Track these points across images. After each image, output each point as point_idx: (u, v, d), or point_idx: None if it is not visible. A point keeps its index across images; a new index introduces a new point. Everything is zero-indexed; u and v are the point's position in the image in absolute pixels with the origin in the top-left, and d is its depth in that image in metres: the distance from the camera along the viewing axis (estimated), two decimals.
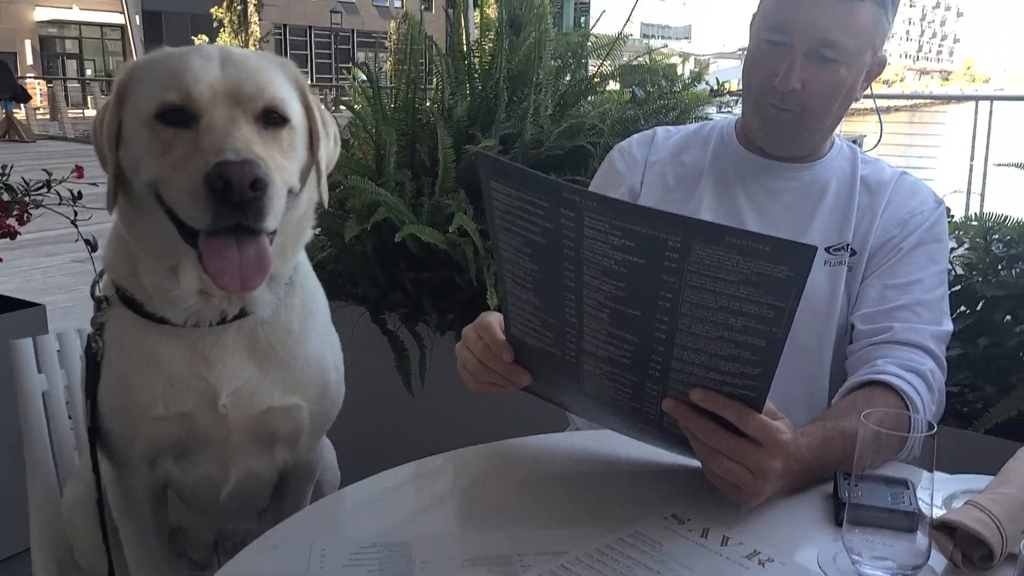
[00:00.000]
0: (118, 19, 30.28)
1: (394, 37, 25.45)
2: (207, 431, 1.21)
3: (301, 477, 1.43)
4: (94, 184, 2.63)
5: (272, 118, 1.11)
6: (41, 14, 33.36)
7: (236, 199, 1.00)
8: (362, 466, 1.34)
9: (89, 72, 35.48)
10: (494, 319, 1.19)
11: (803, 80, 1.33)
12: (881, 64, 1.42)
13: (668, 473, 1.15)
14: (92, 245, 2.43)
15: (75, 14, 34.31)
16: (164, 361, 1.18)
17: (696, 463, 1.08)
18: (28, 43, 33.13)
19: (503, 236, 1.02)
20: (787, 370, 1.00)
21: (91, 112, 22.42)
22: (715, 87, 2.43)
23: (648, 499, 1.08)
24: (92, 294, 1.25)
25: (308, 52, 41.01)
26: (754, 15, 1.41)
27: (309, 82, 1.24)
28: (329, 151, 1.24)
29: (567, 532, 1.00)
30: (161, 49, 1.15)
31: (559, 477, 1.21)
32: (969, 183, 7.42)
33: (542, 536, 0.99)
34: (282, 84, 1.14)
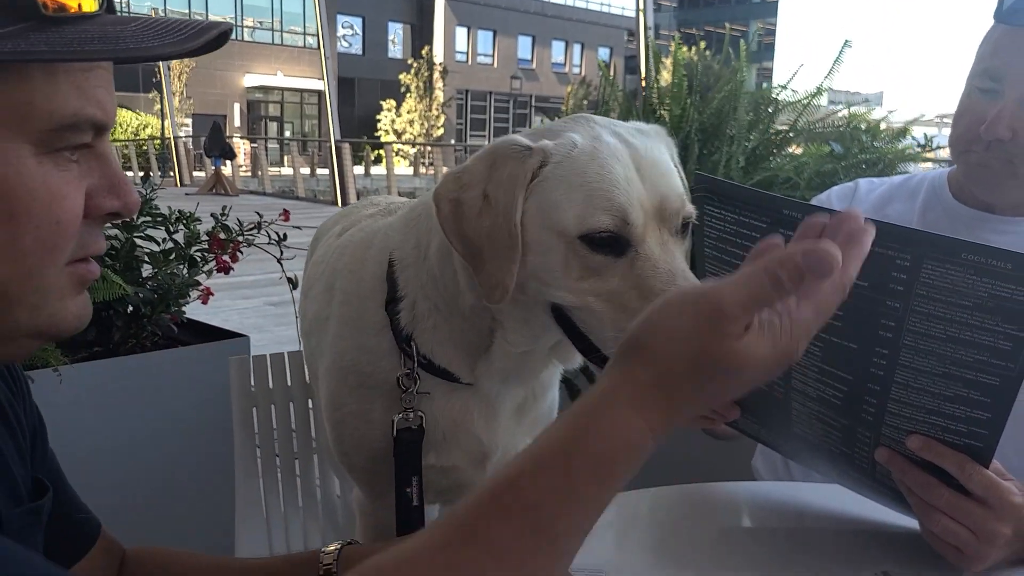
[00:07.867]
0: (317, 85, 32.83)
1: (571, 102, 26.05)
2: (467, 480, 1.22)
3: None
4: (298, 228, 2.87)
5: (684, 227, 0.99)
6: (250, 80, 36.74)
7: None
8: None
9: (287, 133, 38.48)
10: None
11: (1014, 129, 1.26)
12: None
13: (877, 527, 1.08)
14: (293, 284, 2.62)
15: (279, 80, 37.53)
16: (446, 415, 1.17)
17: (911, 520, 1.02)
18: (237, 106, 36.45)
19: (712, 267, 1.01)
20: (1020, 425, 0.92)
21: (287, 170, 24.06)
22: (923, 143, 2.32)
23: (854, 554, 1.02)
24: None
25: (487, 116, 42.69)
26: (972, 68, 1.36)
27: None
28: None
29: None
30: (561, 140, 0.98)
31: (753, 526, 1.17)
32: None
33: None
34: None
